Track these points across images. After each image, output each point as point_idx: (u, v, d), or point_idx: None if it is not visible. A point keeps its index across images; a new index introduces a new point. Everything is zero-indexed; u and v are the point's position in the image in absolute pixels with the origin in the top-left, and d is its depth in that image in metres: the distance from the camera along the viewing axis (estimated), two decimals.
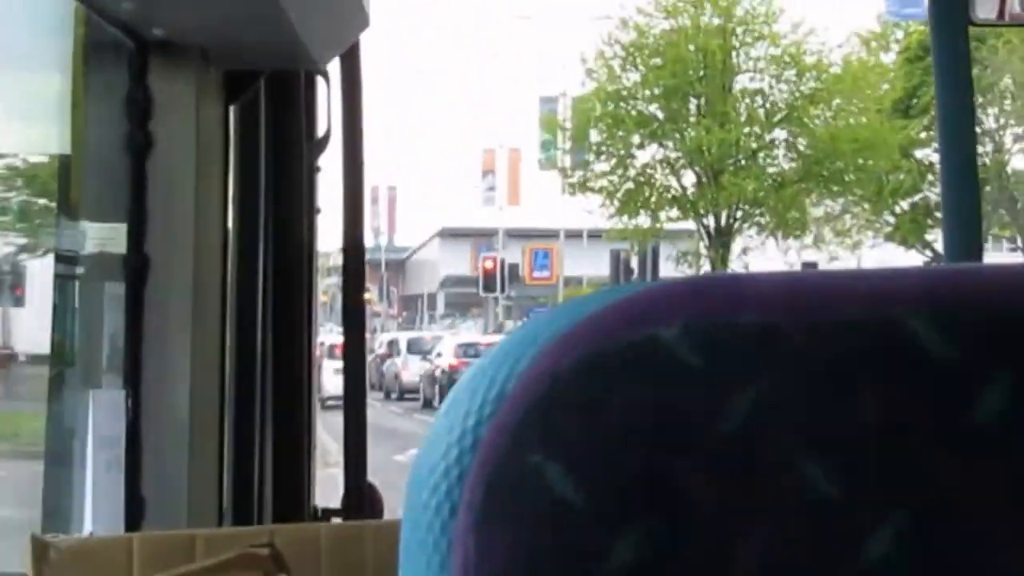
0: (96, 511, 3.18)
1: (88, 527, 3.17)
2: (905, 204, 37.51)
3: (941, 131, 3.58)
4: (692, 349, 0.96)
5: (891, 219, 38.59)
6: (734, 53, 38.34)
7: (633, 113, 36.98)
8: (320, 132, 4.04)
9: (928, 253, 37.76)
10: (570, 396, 0.97)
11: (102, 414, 3.22)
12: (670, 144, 37.51)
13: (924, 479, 0.97)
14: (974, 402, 0.96)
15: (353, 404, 4.03)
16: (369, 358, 15.20)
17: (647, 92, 37.35)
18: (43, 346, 4.52)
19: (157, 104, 3.22)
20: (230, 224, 3.57)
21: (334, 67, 3.97)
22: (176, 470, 3.24)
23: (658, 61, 37.24)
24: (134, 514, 3.16)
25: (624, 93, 36.40)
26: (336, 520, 3.87)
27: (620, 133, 36.24)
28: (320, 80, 3.95)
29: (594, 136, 36.79)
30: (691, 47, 37.42)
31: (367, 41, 3.93)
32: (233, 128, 3.54)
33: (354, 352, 4.17)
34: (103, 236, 3.57)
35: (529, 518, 0.96)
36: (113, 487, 3.18)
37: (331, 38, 3.42)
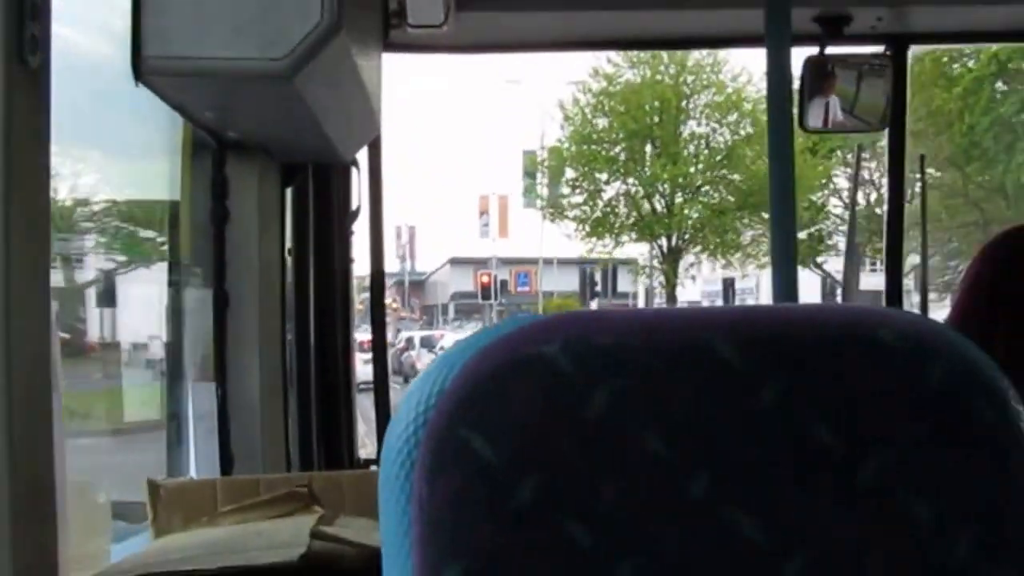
0: (198, 464, 3.33)
1: (192, 474, 3.29)
2: (803, 234, 35.44)
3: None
4: (567, 360, 1.00)
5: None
6: (685, 100, 36.85)
7: (602, 153, 35.90)
8: (354, 206, 3.95)
9: (819, 272, 36.09)
10: (486, 391, 1.00)
11: (200, 398, 3.37)
12: (631, 179, 36.27)
13: (727, 446, 1.00)
14: (758, 393, 1.01)
15: (380, 386, 4.04)
16: (391, 351, 14.05)
17: (613, 136, 36.23)
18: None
19: (232, 186, 3.26)
20: (289, 267, 3.55)
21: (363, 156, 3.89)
22: (253, 436, 3.31)
23: (622, 109, 35.98)
24: (225, 466, 3.23)
25: (594, 136, 35.18)
26: (373, 468, 3.73)
27: (591, 171, 35.05)
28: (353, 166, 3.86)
29: (569, 173, 35.67)
30: (649, 96, 36.00)
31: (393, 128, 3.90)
32: (290, 203, 3.53)
33: (379, 347, 4.15)
34: (197, 275, 3.63)
35: (460, 470, 1.00)
36: (210, 448, 3.30)
37: (352, 141, 3.39)
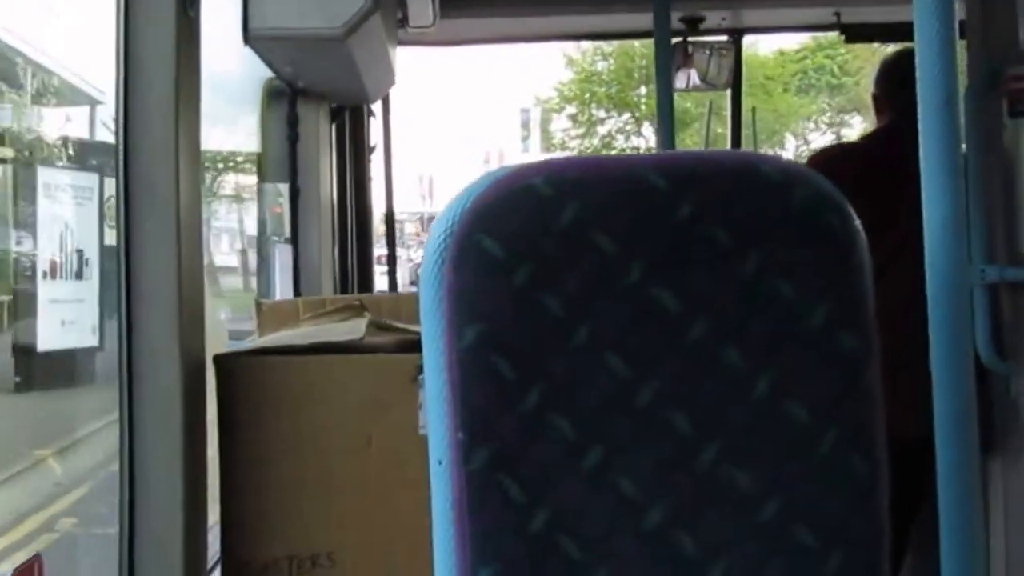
0: (282, 292, 3.31)
1: (278, 296, 3.29)
2: None
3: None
4: (547, 187, 0.98)
5: None
6: None
7: (600, 91, 29.55)
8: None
9: None
10: (493, 209, 0.98)
11: (283, 255, 3.35)
12: (626, 115, 30.13)
13: (656, 245, 0.99)
14: (678, 208, 0.99)
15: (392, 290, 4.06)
16: (410, 266, 13.81)
17: (610, 77, 29.77)
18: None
19: (300, 120, 3.24)
20: (335, 179, 3.53)
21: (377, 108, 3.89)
22: (314, 282, 3.30)
23: (614, 55, 29.47)
24: (297, 292, 3.23)
25: (594, 79, 29.15)
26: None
27: (589, 107, 29.37)
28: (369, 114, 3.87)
29: (569, 110, 30.03)
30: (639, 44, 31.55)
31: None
32: (335, 135, 3.52)
33: (391, 260, 4.23)
34: (276, 192, 3.56)
35: (476, 262, 0.97)
36: (286, 285, 3.30)
37: (379, 88, 3.40)
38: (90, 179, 2.79)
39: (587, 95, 28.43)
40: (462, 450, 0.97)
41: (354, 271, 3.73)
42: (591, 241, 0.98)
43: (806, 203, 1.00)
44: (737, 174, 1.01)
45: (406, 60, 3.51)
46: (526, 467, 0.98)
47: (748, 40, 4.56)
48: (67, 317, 2.71)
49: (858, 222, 1.02)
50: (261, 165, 3.65)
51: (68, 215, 2.68)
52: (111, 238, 2.52)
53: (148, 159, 1.68)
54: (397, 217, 4.50)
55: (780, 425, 0.99)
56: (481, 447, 0.97)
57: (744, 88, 4.18)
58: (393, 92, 3.83)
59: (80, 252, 2.66)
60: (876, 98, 3.15)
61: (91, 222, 2.68)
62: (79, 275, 2.65)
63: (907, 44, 2.64)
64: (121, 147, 1.70)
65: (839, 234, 1.00)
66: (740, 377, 0.99)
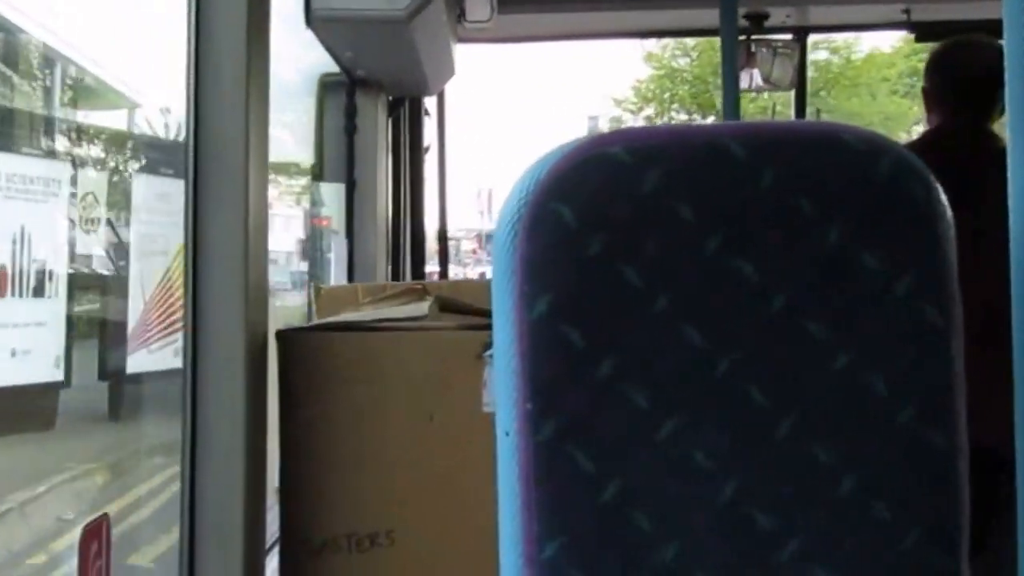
0: (336, 278, 3.32)
1: (332, 282, 3.30)
2: None
3: None
4: (626, 154, 0.96)
5: None
6: None
7: (684, 89, 27.42)
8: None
9: None
10: (569, 177, 0.96)
11: (339, 245, 3.36)
12: (712, 119, 29.07)
13: (735, 214, 0.96)
14: (759, 178, 0.96)
15: None
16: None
17: (692, 74, 27.72)
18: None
19: (359, 111, 3.24)
20: (390, 175, 3.55)
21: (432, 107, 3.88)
22: (368, 269, 3.31)
23: (695, 53, 29.29)
24: (351, 278, 3.24)
25: (676, 75, 26.72)
26: None
27: (669, 108, 26.93)
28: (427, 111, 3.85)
29: (646, 112, 27.04)
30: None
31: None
32: (391, 130, 3.52)
33: (443, 274, 4.10)
34: (332, 192, 3.57)
35: (550, 231, 0.96)
36: (341, 273, 3.31)
37: (438, 79, 3.39)
38: (55, 169, 2.35)
39: (667, 94, 26.75)
40: (531, 421, 0.96)
41: (406, 268, 3.74)
42: (670, 210, 0.96)
43: (890, 172, 0.98)
44: (820, 143, 0.98)
45: (465, 61, 3.51)
46: (597, 438, 0.96)
47: (842, 38, 4.51)
48: (20, 345, 2.19)
49: (943, 194, 0.99)
50: (317, 160, 3.66)
51: (23, 214, 2.17)
52: (88, 245, 2.31)
53: (218, 143, 1.69)
54: (453, 234, 4.39)
55: (858, 399, 0.97)
56: (550, 418, 0.95)
57: (822, 89, 4.10)
58: (451, 97, 3.84)
59: (41, 262, 2.17)
60: (927, 92, 3.05)
61: (58, 224, 2.29)
62: (39, 291, 2.16)
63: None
64: (191, 133, 1.72)
65: (923, 204, 0.98)
66: (819, 349, 0.97)
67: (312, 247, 3.83)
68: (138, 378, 2.59)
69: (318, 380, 1.81)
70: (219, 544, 1.69)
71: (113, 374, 2.60)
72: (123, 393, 2.73)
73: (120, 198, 2.63)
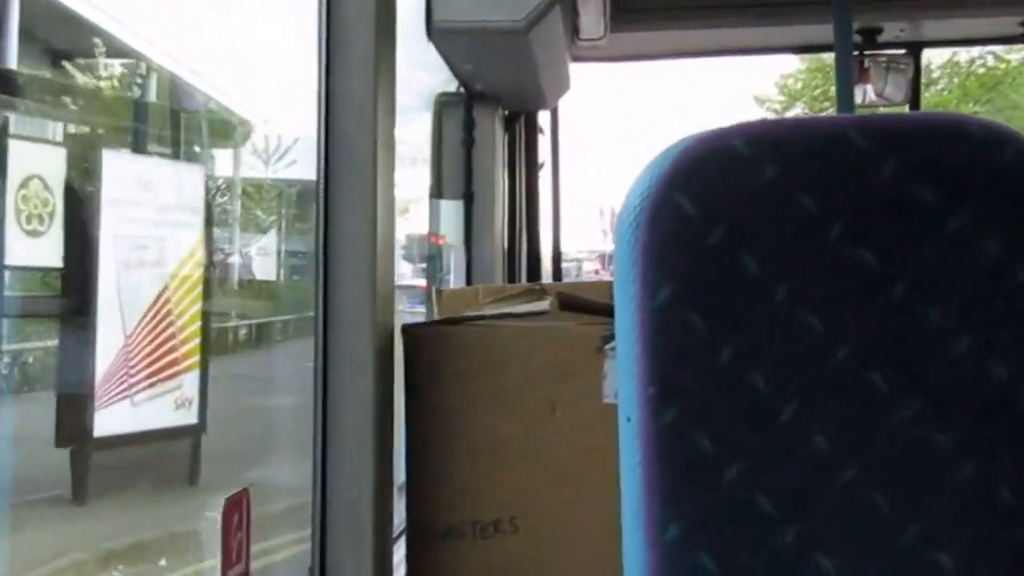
0: (456, 281, 3.36)
1: (452, 285, 3.36)
2: None
3: None
4: (745, 147, 0.96)
5: None
6: None
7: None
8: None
9: None
10: (691, 169, 0.97)
11: (458, 256, 3.39)
12: None
13: (856, 204, 0.96)
14: (880, 168, 0.96)
15: None
16: None
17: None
18: None
19: (476, 125, 3.26)
20: (506, 188, 3.55)
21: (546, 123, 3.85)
22: (487, 275, 3.31)
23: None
24: (470, 281, 3.27)
25: (828, 70, 25.83)
26: None
27: (825, 103, 26.69)
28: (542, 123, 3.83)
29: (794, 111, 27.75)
30: None
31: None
32: (507, 139, 3.52)
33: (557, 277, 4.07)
34: (449, 209, 3.60)
35: (671, 221, 0.96)
36: (460, 280, 3.34)
37: (554, 93, 3.40)
38: None
39: (818, 91, 24.48)
40: (652, 406, 0.96)
41: (522, 282, 3.72)
42: (790, 200, 0.96)
43: (1014, 160, 0.97)
44: (942, 132, 0.98)
45: (581, 80, 3.50)
46: (717, 422, 0.96)
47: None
48: None
49: None
50: (434, 178, 3.70)
51: None
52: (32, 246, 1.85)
53: (347, 153, 1.75)
54: (575, 255, 4.34)
55: (978, 384, 0.96)
56: (672, 402, 0.96)
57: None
58: (570, 115, 3.84)
59: None
60: None
61: None
62: None
63: None
64: (322, 144, 1.78)
65: None
66: (940, 336, 0.96)
67: (431, 266, 3.86)
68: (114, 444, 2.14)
69: (442, 373, 1.86)
70: (350, 532, 1.73)
71: (73, 438, 2.07)
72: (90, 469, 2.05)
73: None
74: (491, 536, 1.83)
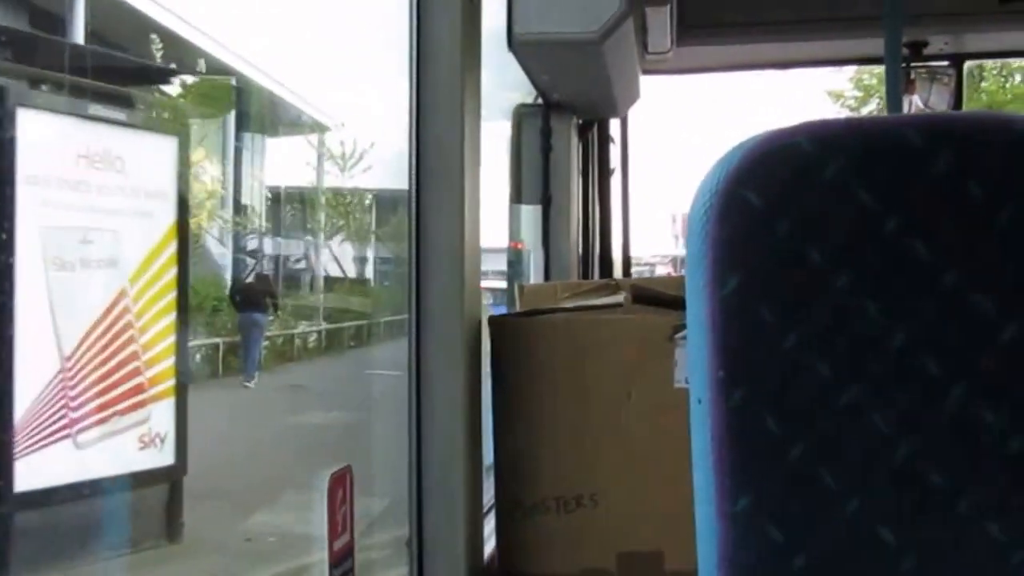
0: (535, 276, 3.41)
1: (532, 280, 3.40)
2: None
3: None
4: (810, 145, 0.97)
5: None
6: None
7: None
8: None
9: None
10: (758, 166, 0.98)
11: (537, 256, 3.46)
12: None
13: (913, 198, 0.97)
14: (934, 164, 0.96)
15: None
16: None
17: None
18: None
19: (553, 131, 3.33)
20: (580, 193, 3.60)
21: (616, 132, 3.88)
22: (565, 274, 3.38)
23: None
24: (547, 277, 3.34)
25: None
26: None
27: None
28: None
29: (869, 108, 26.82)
30: None
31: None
32: (581, 146, 3.58)
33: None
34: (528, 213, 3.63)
35: (739, 215, 0.97)
36: (540, 276, 3.40)
37: (625, 101, 3.43)
38: None
39: None
40: (722, 388, 0.98)
41: (595, 278, 3.74)
42: (851, 195, 0.97)
43: None
44: (991, 130, 0.99)
45: (652, 90, 3.52)
46: (783, 403, 0.98)
47: None
48: None
49: None
50: (514, 185, 3.70)
51: None
52: None
53: (437, 156, 1.80)
54: (648, 260, 4.33)
55: None
56: (740, 385, 0.98)
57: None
58: (645, 125, 3.84)
59: None
60: None
61: None
62: None
63: None
64: (413, 147, 1.82)
65: None
66: (987, 322, 0.97)
67: (512, 270, 3.91)
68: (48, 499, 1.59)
69: (526, 361, 1.92)
70: (443, 508, 1.80)
71: None
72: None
73: None
74: (573, 510, 1.91)
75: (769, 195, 0.97)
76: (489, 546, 2.02)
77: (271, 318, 10.05)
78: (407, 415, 1.81)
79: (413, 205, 1.82)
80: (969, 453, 0.98)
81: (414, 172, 1.83)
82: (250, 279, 10.77)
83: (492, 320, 1.96)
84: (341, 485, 1.63)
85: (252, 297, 9.68)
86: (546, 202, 3.40)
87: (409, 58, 1.83)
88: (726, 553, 0.99)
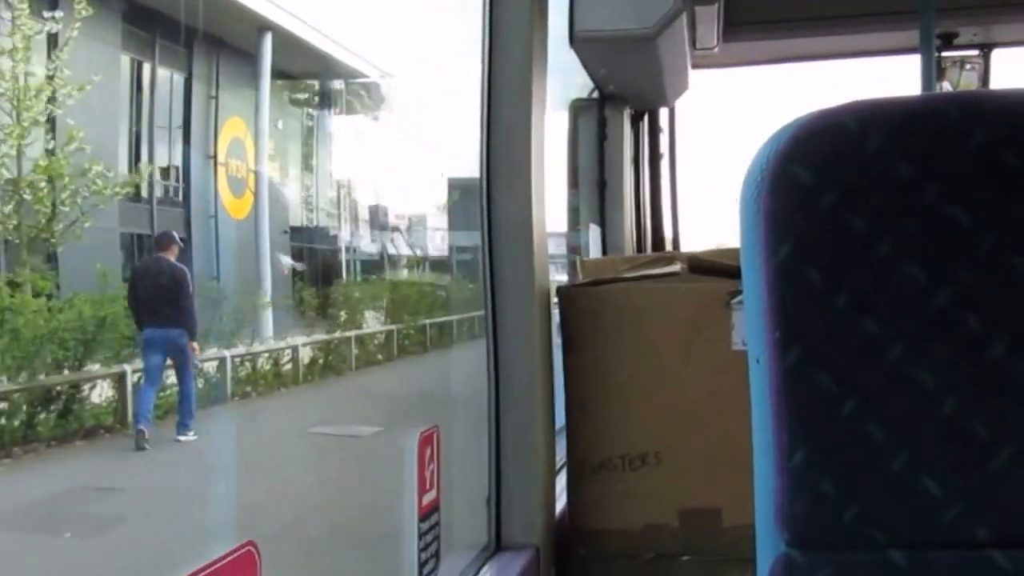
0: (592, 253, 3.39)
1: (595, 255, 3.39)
2: None
3: None
4: (853, 122, 0.96)
5: None
6: None
7: None
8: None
9: None
10: (804, 143, 0.97)
11: (594, 234, 3.42)
12: None
13: (950, 168, 0.95)
14: (970, 136, 0.95)
15: None
16: None
17: None
18: None
19: (608, 120, 3.33)
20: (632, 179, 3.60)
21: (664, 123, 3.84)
22: (618, 250, 3.37)
23: None
24: (605, 252, 3.32)
25: None
26: None
27: None
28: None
29: None
30: None
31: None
32: (634, 136, 3.59)
33: None
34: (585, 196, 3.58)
35: (788, 188, 0.97)
36: (598, 252, 3.35)
37: (675, 91, 3.42)
38: None
39: None
40: (778, 348, 0.98)
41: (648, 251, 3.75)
42: (892, 167, 0.96)
43: None
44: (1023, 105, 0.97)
45: (703, 83, 3.49)
46: (835, 361, 0.97)
47: None
48: None
49: None
50: (571, 172, 3.70)
51: None
52: None
53: (506, 141, 1.80)
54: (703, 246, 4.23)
55: None
56: (794, 345, 0.97)
57: None
58: (703, 114, 3.81)
59: None
60: None
61: None
62: None
63: None
64: (484, 131, 1.83)
65: None
66: None
67: (570, 252, 3.91)
68: None
69: (592, 327, 1.91)
70: (520, 466, 1.81)
71: None
72: None
73: None
74: (638, 468, 1.90)
75: (816, 169, 0.96)
76: (560, 503, 2.02)
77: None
78: (486, 384, 1.81)
79: (484, 188, 1.83)
80: (1011, 406, 0.97)
81: (485, 157, 1.83)
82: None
83: (561, 290, 1.96)
84: (429, 444, 1.63)
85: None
86: (602, 186, 3.39)
87: (481, 53, 1.83)
88: (782, 506, 0.98)
